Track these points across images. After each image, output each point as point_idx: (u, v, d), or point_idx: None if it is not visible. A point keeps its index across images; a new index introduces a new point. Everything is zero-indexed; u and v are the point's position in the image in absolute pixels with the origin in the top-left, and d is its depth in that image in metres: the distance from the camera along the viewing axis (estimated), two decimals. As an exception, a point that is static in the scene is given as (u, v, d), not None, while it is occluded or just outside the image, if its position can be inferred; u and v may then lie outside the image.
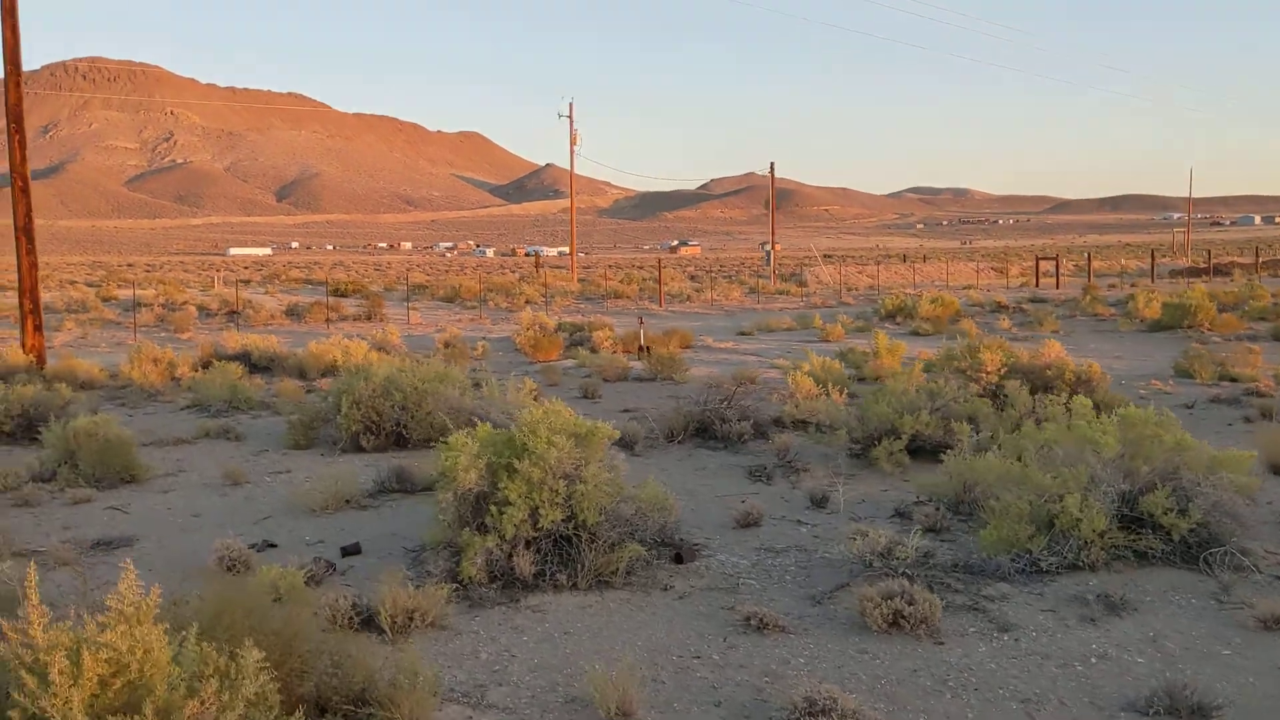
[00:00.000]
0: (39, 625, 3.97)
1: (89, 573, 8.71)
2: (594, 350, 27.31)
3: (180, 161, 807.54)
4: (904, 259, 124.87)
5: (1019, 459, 9.34)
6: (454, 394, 14.00)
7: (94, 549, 9.41)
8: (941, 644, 6.89)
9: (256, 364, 22.82)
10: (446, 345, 29.35)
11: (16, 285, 21.93)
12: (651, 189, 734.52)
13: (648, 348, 25.70)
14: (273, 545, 9.45)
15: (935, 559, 8.32)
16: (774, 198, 75.01)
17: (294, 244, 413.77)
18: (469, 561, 7.85)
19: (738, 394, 14.55)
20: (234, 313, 42.99)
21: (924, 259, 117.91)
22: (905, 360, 20.92)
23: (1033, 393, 13.40)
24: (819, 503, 10.56)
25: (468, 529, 8.00)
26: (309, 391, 19.47)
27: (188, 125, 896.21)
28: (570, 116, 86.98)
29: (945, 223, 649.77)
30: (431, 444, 13.61)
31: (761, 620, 7.14)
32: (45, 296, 61.38)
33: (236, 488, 11.88)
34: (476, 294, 54.77)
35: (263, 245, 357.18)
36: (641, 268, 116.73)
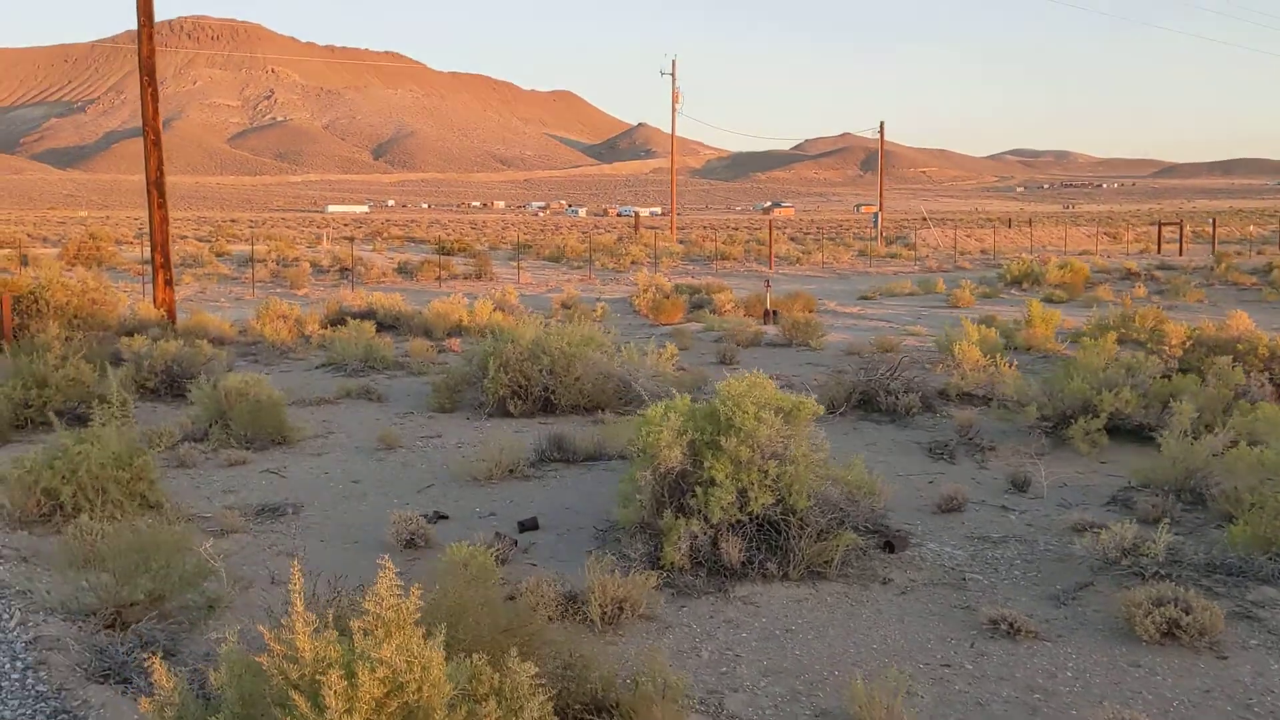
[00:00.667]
0: (305, 636, 3.41)
1: (257, 540, 8.34)
2: (716, 313, 26.55)
3: (280, 119, 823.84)
4: (1009, 223, 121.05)
5: (1249, 445, 8.39)
6: (601, 358, 13.42)
7: (260, 516, 9.03)
8: (1225, 659, 6.06)
9: (382, 322, 22.56)
10: (564, 306, 28.90)
11: (149, 239, 21.94)
12: (745, 149, 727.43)
13: (775, 311, 24.85)
14: (444, 517, 8.96)
15: (1185, 558, 7.45)
16: (882, 159, 73.01)
17: (390, 202, 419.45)
18: (672, 547, 7.23)
19: (902, 364, 13.68)
20: (345, 270, 43.20)
21: (1028, 222, 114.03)
22: (1059, 331, 19.76)
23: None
24: (1020, 486, 9.70)
25: (668, 511, 7.36)
26: (440, 352, 19.11)
27: (288, 83, 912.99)
28: (673, 74, 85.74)
29: (1046, 186, 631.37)
30: (580, 410, 13.15)
31: (1011, 624, 6.38)
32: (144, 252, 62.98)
33: (391, 452, 11.47)
34: (580, 254, 54.34)
35: (359, 203, 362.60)
36: (738, 229, 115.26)
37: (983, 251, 65.24)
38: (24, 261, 45.63)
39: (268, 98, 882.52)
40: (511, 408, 13.04)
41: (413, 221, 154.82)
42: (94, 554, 6.88)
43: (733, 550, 7.19)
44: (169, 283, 21.73)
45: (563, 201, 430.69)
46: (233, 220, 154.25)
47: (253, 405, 11.60)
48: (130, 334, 19.55)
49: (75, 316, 18.32)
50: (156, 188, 21.24)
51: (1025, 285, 35.97)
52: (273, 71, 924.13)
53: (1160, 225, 67.86)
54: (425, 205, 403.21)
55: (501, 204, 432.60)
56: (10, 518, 8.30)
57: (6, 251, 54.78)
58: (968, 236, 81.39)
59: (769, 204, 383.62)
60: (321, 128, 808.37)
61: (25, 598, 6.39)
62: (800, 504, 7.30)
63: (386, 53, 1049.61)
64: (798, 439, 7.55)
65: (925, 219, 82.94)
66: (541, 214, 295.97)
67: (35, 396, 12.22)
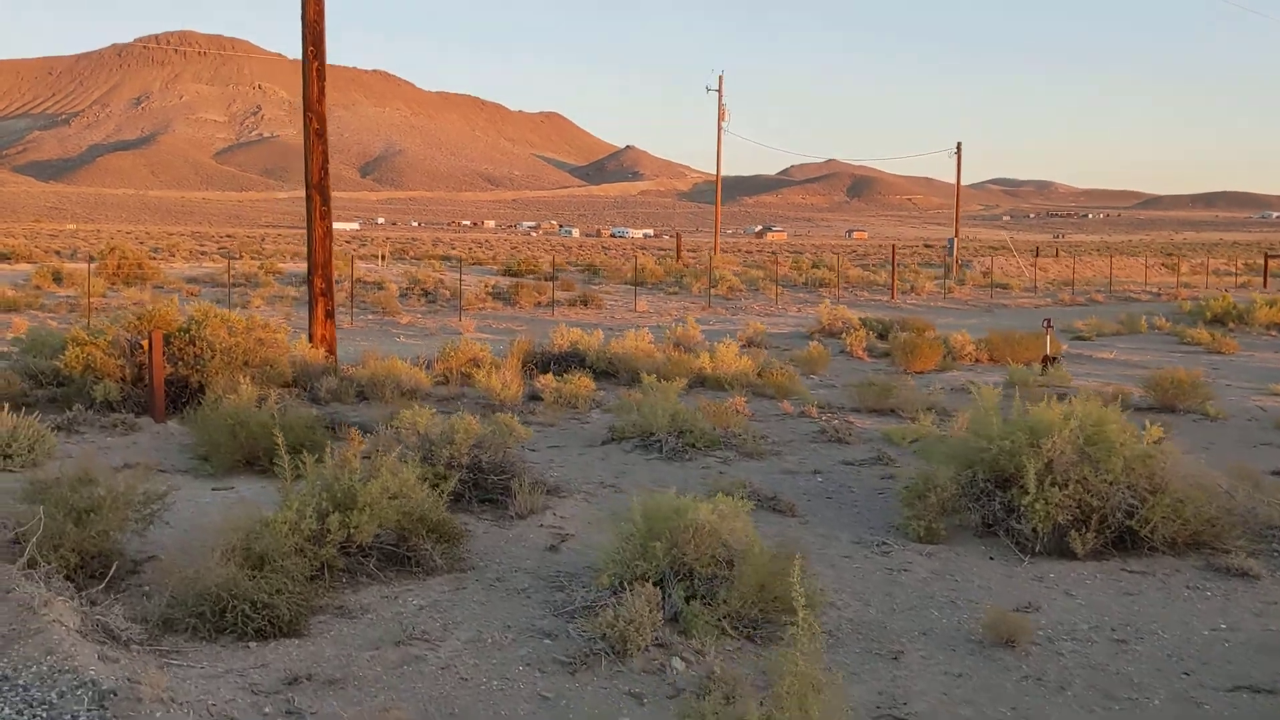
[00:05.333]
0: None
1: None
2: (954, 357, 21.72)
3: (267, 135, 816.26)
4: (1036, 252, 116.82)
5: None
6: (1190, 461, 8.54)
7: None
8: None
9: (593, 367, 17.59)
10: (751, 344, 24.03)
11: (306, 256, 16.88)
12: (731, 173, 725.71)
13: (1054, 358, 20.03)
14: None
15: None
16: (959, 180, 68.50)
17: (380, 220, 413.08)
18: None
19: None
20: (427, 292, 38.23)
21: (1058, 252, 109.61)
22: None
23: None
24: None
25: None
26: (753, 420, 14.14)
27: (275, 100, 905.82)
28: (719, 90, 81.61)
29: (1032, 215, 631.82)
30: (1178, 546, 8.24)
31: None
32: (182, 267, 57.42)
33: (1011, 653, 6.52)
34: (661, 278, 49.56)
35: (349, 220, 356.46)
36: (756, 252, 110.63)
37: (1066, 282, 60.57)
38: (57, 278, 40.42)
39: (254, 114, 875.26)
40: (1076, 543, 8.11)
41: (413, 240, 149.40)
42: None
43: None
44: (329, 314, 16.73)
45: (554, 222, 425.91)
46: (228, 235, 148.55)
47: (756, 563, 6.65)
48: (300, 384, 14.59)
49: (245, 362, 13.28)
50: (319, 192, 16.26)
51: (1231, 324, 31.35)
52: (260, 88, 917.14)
53: (1267, 257, 63.50)
54: (415, 223, 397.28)
55: (492, 223, 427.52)
56: None
57: (26, 266, 49.48)
58: (1030, 265, 77.22)
59: (760, 228, 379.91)
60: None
61: None
62: None
63: (375, 71, 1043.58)
64: None
65: (1007, 246, 78.49)
66: (534, 234, 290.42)
67: (340, 526, 7.22)
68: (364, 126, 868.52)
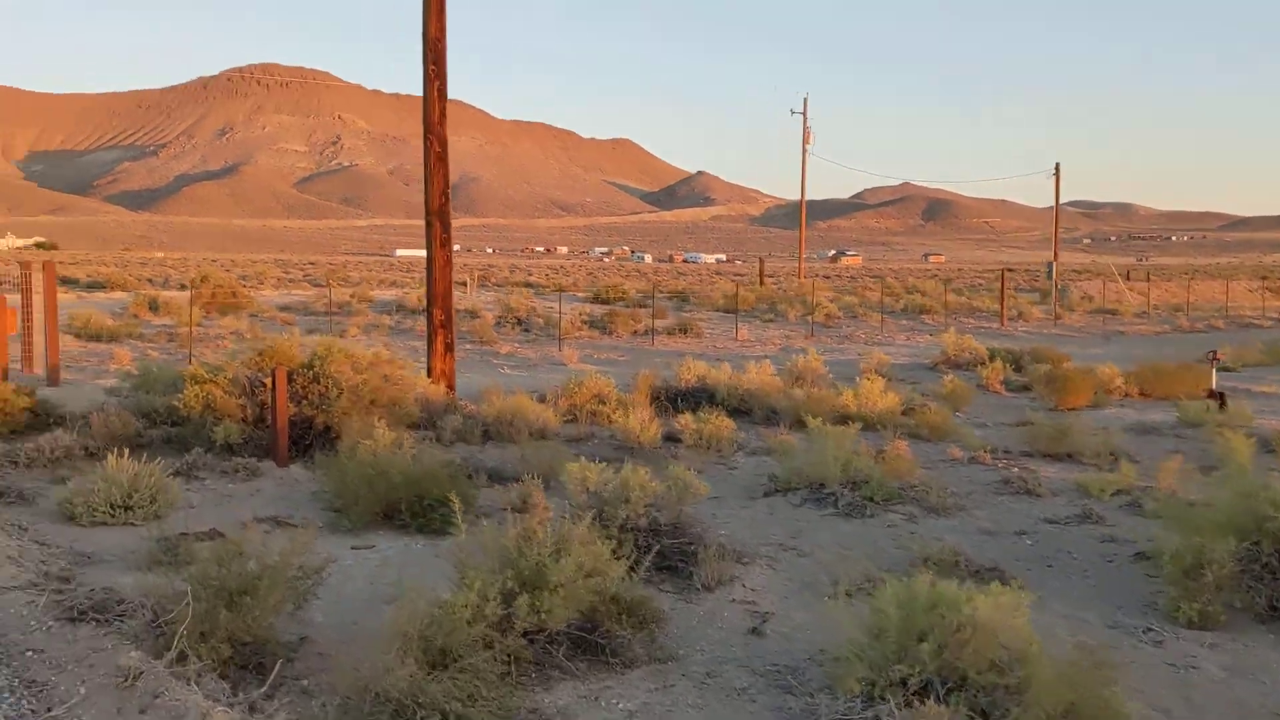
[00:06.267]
0: None
1: None
2: (1103, 390, 20.09)
3: (346, 164, 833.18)
4: (1126, 275, 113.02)
5: None
6: None
7: None
8: None
9: (723, 403, 16.36)
10: (877, 375, 22.60)
11: (427, 287, 15.94)
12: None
13: (1222, 396, 18.32)
14: None
15: None
16: (1058, 202, 66.08)
17: (455, 246, 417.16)
18: None
19: None
20: (520, 320, 37.42)
21: (1148, 275, 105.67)
22: None
23: None
24: None
25: None
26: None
27: (354, 130, 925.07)
28: (804, 113, 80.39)
29: (1113, 238, 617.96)
30: None
31: None
32: (272, 295, 57.42)
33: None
34: (751, 304, 48.25)
35: (424, 248, 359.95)
36: (834, 277, 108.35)
37: (1176, 307, 57.83)
38: (153, 306, 40.44)
39: (334, 143, 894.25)
40: None
41: (490, 266, 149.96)
42: None
43: None
44: (449, 347, 15.77)
45: (625, 248, 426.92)
46: (311, 262, 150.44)
47: (1048, 674, 5.35)
48: (423, 423, 13.61)
49: (372, 401, 12.31)
50: (440, 218, 15.35)
51: None
52: (340, 118, 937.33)
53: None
54: (490, 250, 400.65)
55: (564, 249, 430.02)
56: None
57: (121, 295, 49.86)
58: (1130, 289, 74.42)
59: (834, 252, 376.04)
60: (386, 173, 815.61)
61: None
62: None
63: (451, 100, 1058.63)
64: None
65: (1110, 271, 75.79)
66: (606, 260, 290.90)
67: (530, 611, 6.08)
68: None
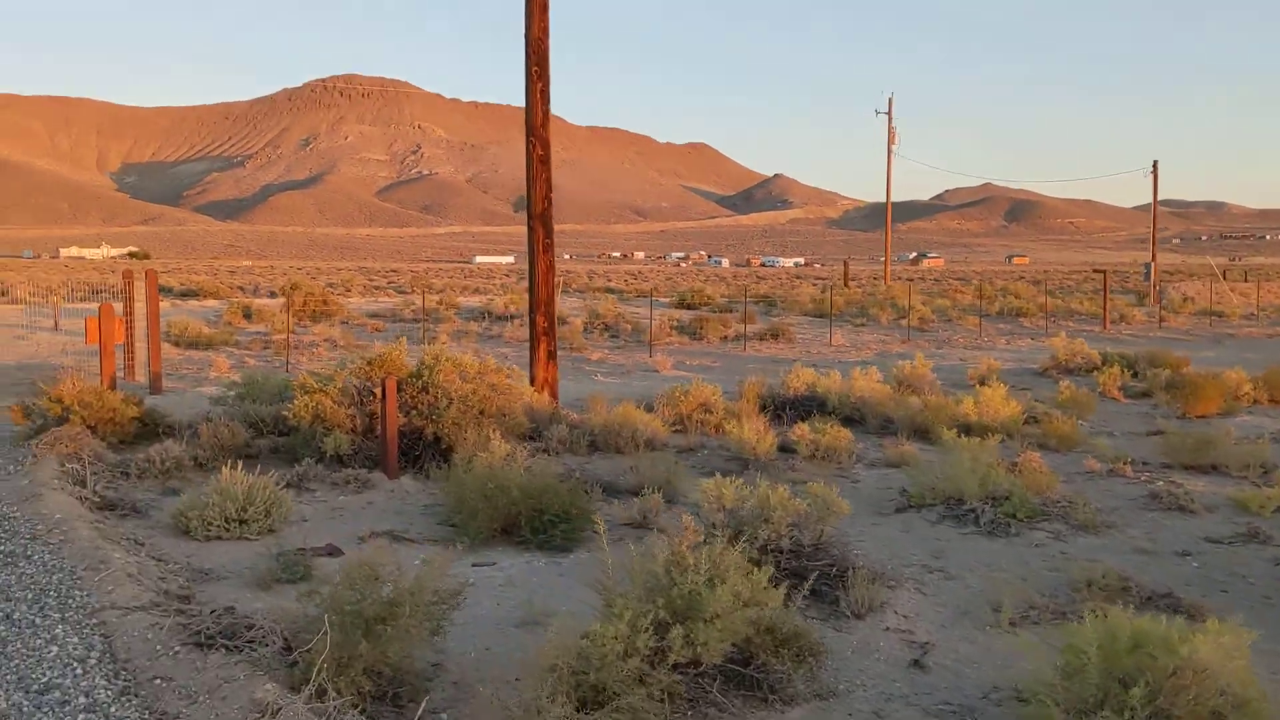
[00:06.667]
0: None
1: None
2: (1234, 397, 19.01)
3: (426, 173, 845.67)
4: (1223, 275, 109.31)
5: None
6: None
7: None
8: None
9: (834, 412, 15.76)
10: (983, 382, 21.75)
11: (529, 292, 15.62)
12: (881, 199, 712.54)
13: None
14: None
15: None
16: (1156, 200, 63.95)
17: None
18: None
19: None
20: (607, 327, 37.11)
21: (1245, 275, 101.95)
22: None
23: None
24: None
25: None
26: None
27: (433, 138, 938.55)
28: (889, 113, 79.14)
29: (1204, 237, 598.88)
30: None
31: None
32: (360, 302, 58.02)
33: None
34: (840, 308, 47.31)
35: (504, 254, 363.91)
36: (917, 279, 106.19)
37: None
38: (247, 314, 40.95)
39: (414, 152, 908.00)
40: None
41: (569, 272, 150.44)
42: None
43: None
44: (552, 355, 15.43)
45: (702, 252, 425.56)
46: (393, 270, 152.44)
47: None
48: (530, 434, 13.25)
49: (481, 411, 11.97)
50: (542, 223, 15.03)
51: None
52: (419, 127, 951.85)
53: None
54: (567, 256, 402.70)
55: (641, 254, 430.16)
56: None
57: (214, 302, 50.72)
58: (1233, 289, 71.68)
59: (915, 255, 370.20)
60: (465, 181, 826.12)
61: None
62: None
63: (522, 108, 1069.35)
64: None
65: (1214, 271, 73.23)
66: (683, 264, 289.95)
67: (684, 644, 5.61)
68: (518, 162, 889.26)
